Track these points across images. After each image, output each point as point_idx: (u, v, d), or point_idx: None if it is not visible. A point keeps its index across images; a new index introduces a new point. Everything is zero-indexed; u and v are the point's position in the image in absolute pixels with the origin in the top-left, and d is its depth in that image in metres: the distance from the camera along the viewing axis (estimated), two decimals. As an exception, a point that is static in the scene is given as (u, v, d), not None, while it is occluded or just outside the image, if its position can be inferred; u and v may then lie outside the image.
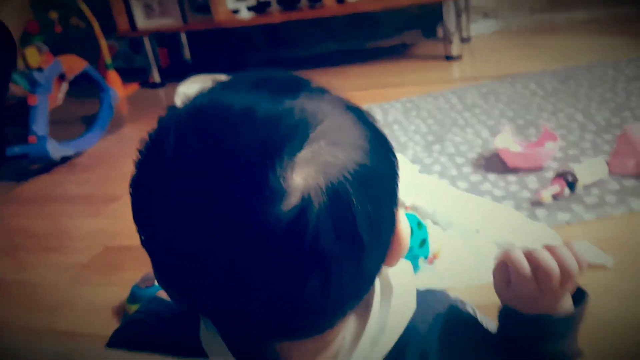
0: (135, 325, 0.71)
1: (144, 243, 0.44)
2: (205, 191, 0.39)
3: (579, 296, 0.55)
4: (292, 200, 0.38)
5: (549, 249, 0.52)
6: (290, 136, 0.39)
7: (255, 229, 0.38)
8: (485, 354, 0.55)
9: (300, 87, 0.43)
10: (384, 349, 0.49)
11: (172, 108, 0.44)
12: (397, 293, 0.50)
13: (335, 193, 0.39)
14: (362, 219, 0.40)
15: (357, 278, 0.43)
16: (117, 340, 0.57)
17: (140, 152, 0.44)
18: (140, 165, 0.44)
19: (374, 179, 0.42)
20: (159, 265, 0.45)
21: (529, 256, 0.52)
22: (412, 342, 0.50)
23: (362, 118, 0.44)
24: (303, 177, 0.38)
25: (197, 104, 0.43)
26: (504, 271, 0.54)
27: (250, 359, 0.48)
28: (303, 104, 0.41)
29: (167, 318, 0.65)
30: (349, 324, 0.50)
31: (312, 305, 0.41)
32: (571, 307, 0.54)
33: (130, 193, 0.44)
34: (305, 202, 0.38)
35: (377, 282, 0.50)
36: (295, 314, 0.42)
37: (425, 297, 0.54)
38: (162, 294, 0.85)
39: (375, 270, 0.46)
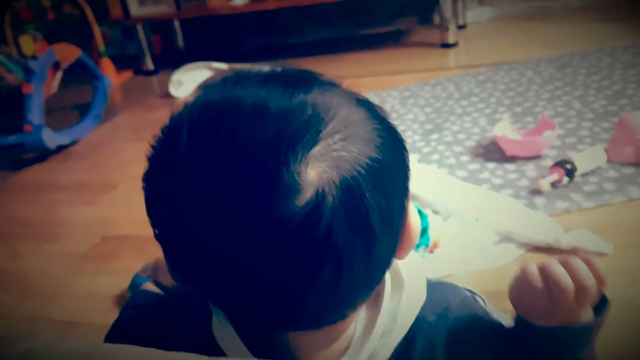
0: (129, 324, 0.71)
1: (157, 236, 0.44)
2: (218, 186, 0.39)
3: (600, 303, 0.53)
4: (306, 195, 0.38)
5: (565, 263, 0.50)
6: (303, 131, 0.39)
7: (270, 224, 0.38)
8: (494, 350, 0.55)
9: (311, 82, 0.44)
10: (395, 339, 0.49)
11: (185, 104, 0.44)
12: (407, 284, 0.50)
13: (348, 187, 0.39)
14: (374, 211, 0.40)
15: (369, 269, 0.43)
16: (113, 341, 0.57)
17: (152, 147, 0.44)
18: (152, 160, 0.44)
19: (386, 172, 0.42)
20: (172, 258, 0.45)
21: (543, 270, 0.50)
22: (421, 332, 0.51)
23: (373, 112, 0.45)
24: (317, 172, 0.38)
25: (209, 99, 0.43)
26: (521, 284, 0.51)
27: (263, 350, 0.48)
28: (315, 98, 0.41)
29: (163, 313, 0.65)
30: (360, 315, 0.50)
31: (325, 296, 0.42)
32: (591, 316, 0.52)
33: (143, 187, 0.44)
34: (319, 196, 0.38)
35: (388, 274, 0.51)
36: (307, 305, 0.42)
37: (435, 287, 0.55)
38: (149, 287, 0.85)
39: (386, 262, 0.46)
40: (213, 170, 0.39)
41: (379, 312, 0.49)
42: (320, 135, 0.39)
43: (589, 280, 0.48)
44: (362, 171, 0.40)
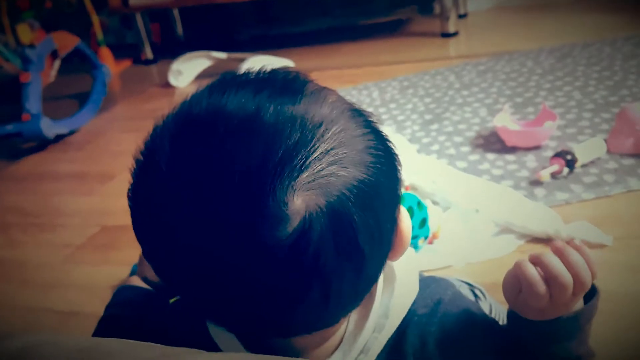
0: (116, 323, 0.70)
1: (144, 253, 0.44)
2: (201, 210, 0.38)
3: (590, 292, 0.52)
4: (293, 223, 0.37)
5: (561, 254, 0.49)
6: (291, 156, 0.38)
7: (255, 250, 0.37)
8: (485, 344, 0.55)
9: (302, 90, 0.42)
10: (387, 334, 0.49)
11: (168, 115, 0.43)
12: (400, 279, 0.50)
13: (335, 212, 0.38)
14: (363, 233, 0.40)
15: (357, 286, 0.43)
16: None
17: (136, 160, 0.42)
18: (135, 175, 0.43)
19: (376, 192, 0.41)
20: (160, 274, 0.44)
21: (541, 264, 0.49)
22: (412, 325, 0.51)
23: (367, 124, 0.43)
24: (303, 199, 0.37)
25: (193, 111, 0.41)
26: (516, 281, 0.51)
27: (258, 346, 0.48)
28: (306, 111, 0.40)
29: (151, 310, 0.65)
30: (354, 312, 0.50)
31: (314, 311, 0.42)
32: (581, 305, 0.52)
33: (129, 204, 0.43)
34: (307, 224, 0.37)
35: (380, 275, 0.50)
36: (297, 319, 0.42)
37: (427, 282, 0.55)
38: (134, 281, 0.84)
39: (376, 274, 0.46)
40: (195, 192, 0.38)
41: (371, 307, 0.49)
42: (308, 159, 0.38)
43: (587, 274, 0.48)
44: (351, 195, 0.39)
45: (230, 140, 0.38)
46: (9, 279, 1.38)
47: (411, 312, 0.51)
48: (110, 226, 1.51)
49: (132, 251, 1.29)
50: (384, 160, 0.43)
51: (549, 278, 0.48)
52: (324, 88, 0.44)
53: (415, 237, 1.14)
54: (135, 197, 0.43)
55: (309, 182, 0.38)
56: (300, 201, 0.37)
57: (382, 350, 0.49)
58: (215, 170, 0.38)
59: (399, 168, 0.45)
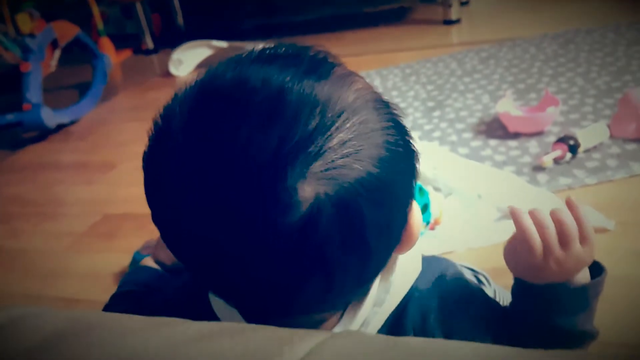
0: (129, 299, 0.71)
1: (153, 217, 0.44)
2: (212, 182, 0.38)
3: (598, 272, 0.54)
4: (301, 210, 0.37)
5: (551, 211, 0.52)
6: (308, 142, 0.37)
7: (261, 232, 0.37)
8: (487, 323, 0.55)
9: (328, 73, 0.41)
10: (388, 308, 0.49)
11: (194, 80, 0.42)
12: (402, 258, 0.50)
13: (345, 204, 0.38)
14: (372, 228, 0.39)
15: (361, 276, 0.43)
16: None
17: (154, 123, 0.42)
18: (151, 140, 0.43)
19: (388, 189, 0.40)
20: (167, 241, 0.44)
21: (531, 215, 0.52)
22: (414, 301, 0.51)
23: (390, 118, 0.42)
24: (313, 187, 0.37)
25: (217, 81, 0.41)
26: (514, 241, 0.54)
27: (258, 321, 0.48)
28: (329, 97, 0.39)
29: (162, 289, 0.65)
30: None
31: (313, 299, 0.42)
32: (587, 278, 0.53)
33: (143, 167, 0.43)
34: (314, 213, 0.37)
35: None
36: (296, 304, 0.42)
37: (429, 261, 0.55)
38: (148, 262, 0.85)
39: (381, 266, 0.45)
40: (208, 167, 0.38)
41: (373, 285, 0.49)
42: (323, 148, 0.37)
43: (571, 224, 0.51)
44: (362, 189, 0.38)
45: (249, 119, 0.37)
46: (11, 268, 1.39)
47: (412, 289, 0.51)
48: (111, 214, 1.51)
49: (134, 239, 1.30)
50: (402, 157, 0.42)
51: (538, 227, 0.51)
52: (352, 73, 0.43)
53: (417, 223, 1.13)
54: (149, 161, 0.43)
55: (321, 171, 0.37)
56: (311, 189, 0.37)
57: (383, 325, 0.49)
58: (230, 147, 0.37)
59: (417, 166, 0.44)
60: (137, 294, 0.71)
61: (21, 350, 0.33)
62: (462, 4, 2.87)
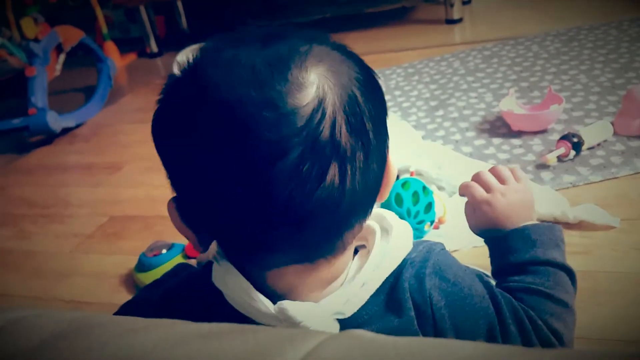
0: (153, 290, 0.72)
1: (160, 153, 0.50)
2: (235, 87, 0.44)
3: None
4: (310, 91, 0.43)
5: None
6: (300, 53, 0.45)
7: (279, 119, 0.42)
8: (479, 279, 0.58)
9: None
10: (385, 271, 0.53)
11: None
12: (396, 230, 0.54)
13: (344, 89, 0.45)
14: (367, 116, 0.46)
15: (367, 180, 0.47)
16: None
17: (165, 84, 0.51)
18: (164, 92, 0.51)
19: (373, 88, 0.48)
20: (180, 185, 0.49)
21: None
22: (408, 267, 0.54)
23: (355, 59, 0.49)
24: (316, 74, 0.44)
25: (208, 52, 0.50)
26: (467, 204, 0.70)
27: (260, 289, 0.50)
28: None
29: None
30: (354, 263, 0.53)
31: (331, 198, 0.45)
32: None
33: (152, 123, 0.51)
34: (322, 93, 0.44)
35: (377, 226, 0.55)
36: (317, 209, 0.45)
37: (418, 242, 0.58)
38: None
39: (378, 181, 0.50)
40: (227, 79, 0.44)
41: (370, 253, 0.53)
42: (312, 53, 0.46)
43: (487, 176, 0.69)
44: (354, 80, 0.46)
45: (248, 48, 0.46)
46: (19, 269, 1.40)
47: (405, 259, 0.54)
48: (118, 216, 1.52)
49: (140, 240, 1.31)
50: (375, 86, 0.50)
51: (478, 177, 0.70)
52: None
53: (421, 222, 1.14)
54: (162, 108, 0.51)
55: (318, 61, 0.45)
56: (314, 75, 0.44)
57: (382, 288, 0.52)
58: (239, 63, 0.45)
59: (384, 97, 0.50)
60: (159, 280, 0.74)
61: (20, 351, 0.34)
62: (464, 3, 2.86)
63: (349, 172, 0.44)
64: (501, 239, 0.64)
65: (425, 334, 0.52)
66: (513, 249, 0.63)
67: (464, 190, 0.70)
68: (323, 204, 0.44)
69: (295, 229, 0.45)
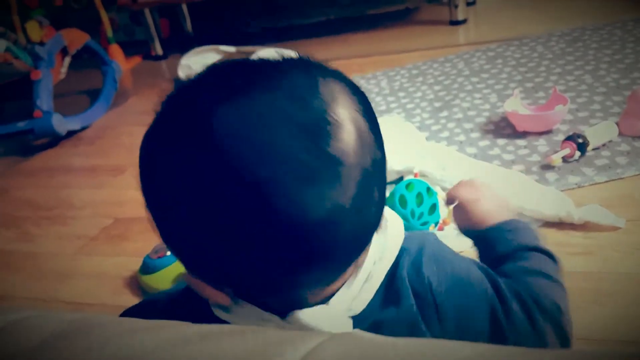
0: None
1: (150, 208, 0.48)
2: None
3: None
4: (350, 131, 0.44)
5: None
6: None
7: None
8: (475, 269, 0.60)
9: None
10: (387, 262, 0.53)
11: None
12: (391, 222, 0.55)
13: (357, 122, 0.45)
14: (377, 140, 0.47)
15: (380, 195, 0.48)
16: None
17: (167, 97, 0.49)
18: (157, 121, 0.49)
19: (377, 137, 0.48)
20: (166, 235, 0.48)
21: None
22: (404, 256, 0.55)
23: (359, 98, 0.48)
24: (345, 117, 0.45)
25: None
26: (455, 208, 0.75)
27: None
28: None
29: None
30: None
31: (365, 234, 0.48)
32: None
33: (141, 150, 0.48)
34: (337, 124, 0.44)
35: None
36: (349, 243, 0.46)
37: (413, 232, 0.60)
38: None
39: (383, 200, 0.50)
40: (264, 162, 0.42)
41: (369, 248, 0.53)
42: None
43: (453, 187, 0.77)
44: (364, 114, 0.47)
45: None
46: (22, 271, 1.40)
47: (401, 248, 0.55)
48: (122, 218, 1.53)
49: (144, 243, 1.31)
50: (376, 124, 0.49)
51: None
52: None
53: (425, 223, 1.13)
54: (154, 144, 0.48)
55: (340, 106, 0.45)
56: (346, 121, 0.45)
57: (380, 285, 0.52)
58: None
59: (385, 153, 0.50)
60: (153, 297, 0.74)
61: (21, 351, 0.34)
62: (469, 4, 2.86)
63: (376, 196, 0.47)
64: (487, 234, 0.69)
65: (428, 322, 0.52)
66: (499, 239, 0.67)
67: (453, 193, 0.76)
68: (356, 238, 0.47)
69: (330, 265, 0.47)
